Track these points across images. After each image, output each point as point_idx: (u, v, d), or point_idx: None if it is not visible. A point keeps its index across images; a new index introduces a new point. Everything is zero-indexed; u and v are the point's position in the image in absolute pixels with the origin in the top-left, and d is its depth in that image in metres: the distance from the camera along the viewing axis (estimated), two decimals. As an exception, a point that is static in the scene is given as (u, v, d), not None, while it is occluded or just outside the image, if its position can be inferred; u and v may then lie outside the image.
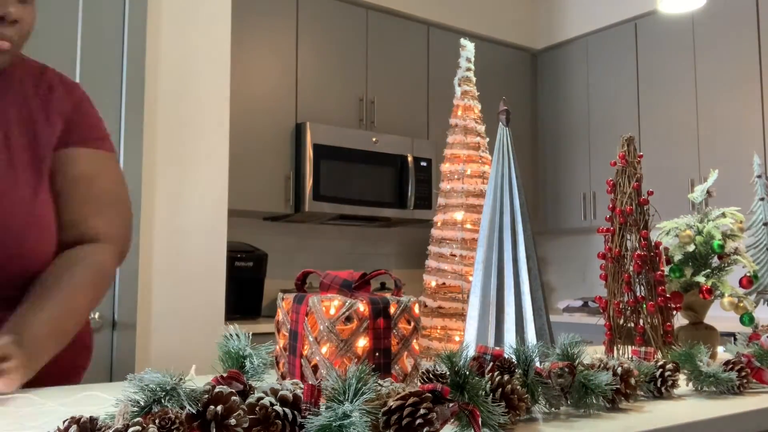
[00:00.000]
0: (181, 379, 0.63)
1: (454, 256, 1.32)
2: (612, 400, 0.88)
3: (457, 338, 1.28)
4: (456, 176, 1.37)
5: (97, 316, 2.22)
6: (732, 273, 1.37)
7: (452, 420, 0.67)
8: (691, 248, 1.35)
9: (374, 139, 3.90)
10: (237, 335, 0.77)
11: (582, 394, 0.87)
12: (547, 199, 4.72)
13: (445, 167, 1.40)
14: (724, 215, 1.39)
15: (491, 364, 0.82)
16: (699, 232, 1.37)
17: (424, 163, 4.05)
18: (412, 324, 0.95)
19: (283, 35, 3.75)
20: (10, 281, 1.10)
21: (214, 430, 0.59)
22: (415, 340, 0.95)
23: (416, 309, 0.96)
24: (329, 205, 3.71)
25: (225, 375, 0.67)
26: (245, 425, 0.60)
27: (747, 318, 1.32)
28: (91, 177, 1.18)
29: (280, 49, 3.73)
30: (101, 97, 2.07)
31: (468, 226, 1.33)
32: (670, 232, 1.41)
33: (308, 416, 0.62)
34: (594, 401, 0.87)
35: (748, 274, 1.39)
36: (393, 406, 0.64)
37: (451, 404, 0.66)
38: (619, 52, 4.35)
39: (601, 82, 4.45)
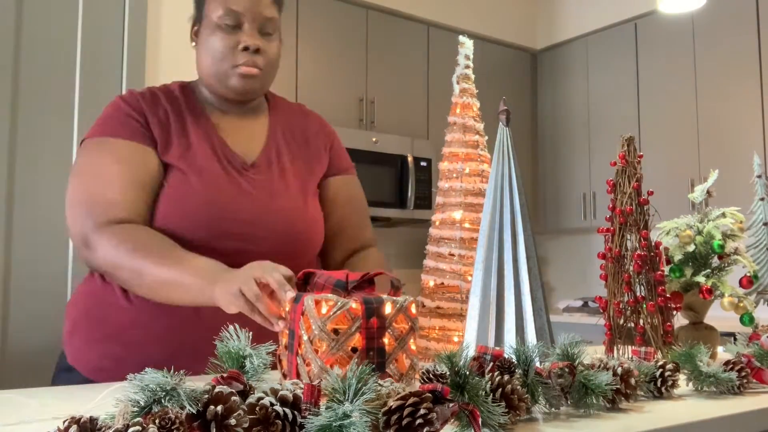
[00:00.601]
0: (181, 379, 0.63)
1: (453, 255, 1.31)
2: (612, 400, 0.88)
3: (455, 338, 1.28)
4: (455, 175, 1.37)
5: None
6: (732, 273, 1.37)
7: (452, 420, 0.67)
8: (691, 248, 1.35)
9: (374, 139, 3.90)
10: (237, 335, 0.77)
11: (582, 394, 0.86)
12: (547, 199, 4.72)
13: (444, 166, 1.40)
14: (724, 215, 1.39)
15: (491, 364, 0.82)
16: (699, 232, 1.37)
17: (423, 163, 4.05)
18: (409, 324, 0.95)
19: (283, 35, 3.74)
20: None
21: (214, 430, 0.59)
22: (411, 340, 0.95)
23: (413, 309, 0.96)
24: (329, 205, 3.71)
25: (225, 375, 0.66)
26: (245, 425, 0.60)
27: (747, 318, 1.32)
28: (360, 198, 1.51)
29: (279, 49, 3.72)
30: (101, 98, 2.06)
31: (467, 225, 1.33)
32: (670, 232, 1.41)
33: (308, 416, 0.62)
34: (594, 401, 0.87)
35: (748, 274, 1.38)
36: (393, 406, 0.63)
37: (451, 404, 0.66)
38: (619, 52, 4.35)
39: (601, 82, 4.45)
